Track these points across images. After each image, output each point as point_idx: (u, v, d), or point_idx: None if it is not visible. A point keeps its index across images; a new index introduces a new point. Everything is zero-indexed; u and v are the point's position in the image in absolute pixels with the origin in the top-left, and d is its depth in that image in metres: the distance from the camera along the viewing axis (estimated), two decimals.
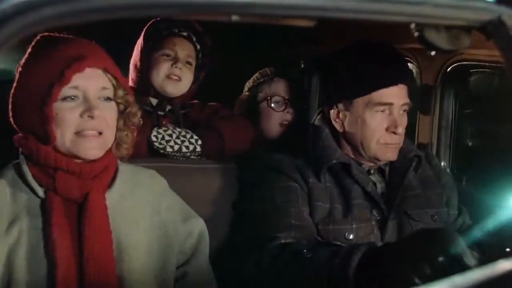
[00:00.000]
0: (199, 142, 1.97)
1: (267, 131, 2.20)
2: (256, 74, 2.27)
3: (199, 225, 1.63)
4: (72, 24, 0.75)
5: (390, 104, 1.71)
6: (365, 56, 1.75)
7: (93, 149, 1.34)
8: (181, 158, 1.94)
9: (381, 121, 1.72)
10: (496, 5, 0.97)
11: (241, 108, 2.27)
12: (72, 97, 1.31)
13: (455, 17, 0.98)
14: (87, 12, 0.74)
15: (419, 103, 2.20)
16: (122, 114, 1.42)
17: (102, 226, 1.34)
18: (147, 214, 1.48)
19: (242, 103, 2.27)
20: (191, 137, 1.97)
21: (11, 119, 1.37)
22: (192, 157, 1.97)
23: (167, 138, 1.93)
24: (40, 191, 1.33)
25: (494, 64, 1.92)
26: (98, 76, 1.35)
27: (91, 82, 1.33)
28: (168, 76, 2.00)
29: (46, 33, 1.39)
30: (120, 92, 1.40)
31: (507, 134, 2.17)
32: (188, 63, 2.05)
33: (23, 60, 1.37)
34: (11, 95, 1.36)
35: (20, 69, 1.36)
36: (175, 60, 2.01)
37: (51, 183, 1.33)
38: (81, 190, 1.34)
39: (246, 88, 2.29)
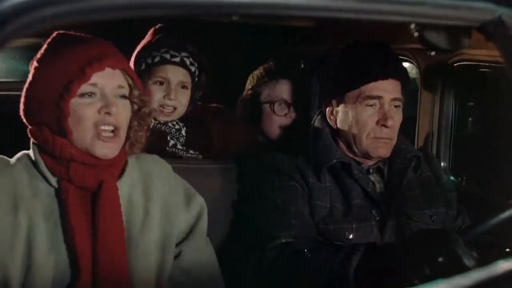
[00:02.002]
0: (185, 128, 1.99)
1: (266, 132, 2.20)
2: (260, 70, 2.24)
3: (198, 203, 1.61)
4: (72, 24, 0.75)
5: (380, 97, 1.72)
6: (356, 53, 1.77)
7: (109, 149, 1.36)
8: (171, 148, 1.95)
9: (372, 115, 1.73)
10: (496, 5, 0.97)
11: (243, 106, 2.27)
12: (90, 93, 1.34)
13: (455, 17, 0.98)
14: (87, 12, 0.74)
15: (419, 103, 2.21)
16: (136, 114, 1.45)
17: (115, 215, 1.37)
18: (154, 199, 1.49)
19: (245, 101, 2.27)
20: (178, 121, 2.00)
21: (22, 114, 1.38)
22: (181, 140, 1.97)
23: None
24: (53, 181, 1.35)
25: (494, 64, 1.92)
26: (117, 75, 1.38)
27: (110, 80, 1.36)
28: (161, 107, 1.97)
29: (62, 31, 1.40)
30: (136, 92, 1.42)
31: (507, 134, 2.17)
32: (184, 87, 2.00)
33: (38, 56, 1.38)
34: (24, 90, 1.37)
35: (35, 64, 1.37)
36: (168, 91, 1.95)
37: (65, 172, 1.34)
38: (95, 179, 1.36)
39: (249, 86, 2.27)
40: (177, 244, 1.56)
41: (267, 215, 1.70)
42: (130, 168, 1.47)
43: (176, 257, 1.55)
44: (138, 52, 2.01)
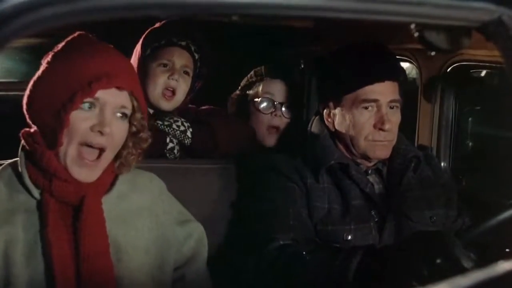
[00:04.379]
0: (190, 129, 1.99)
1: (259, 137, 2.17)
2: (251, 73, 2.26)
3: (198, 229, 1.64)
4: (72, 24, 0.75)
5: (376, 100, 1.71)
6: (352, 55, 1.76)
7: (87, 174, 1.34)
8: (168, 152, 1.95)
9: (369, 118, 1.72)
10: (496, 5, 0.97)
11: (232, 107, 2.27)
12: (89, 105, 1.31)
13: (455, 17, 0.97)
14: (87, 12, 0.73)
15: (419, 103, 2.21)
16: (133, 136, 1.42)
17: (98, 229, 1.34)
18: (145, 216, 1.48)
19: (233, 102, 2.27)
20: (184, 121, 2.00)
21: (25, 106, 1.35)
22: (186, 141, 1.97)
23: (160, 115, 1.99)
24: (36, 193, 1.34)
25: (494, 64, 1.92)
26: (122, 96, 1.35)
27: (113, 98, 1.33)
28: (164, 90, 1.98)
29: (84, 32, 1.38)
30: (138, 115, 1.40)
31: (507, 134, 2.17)
32: (185, 72, 2.02)
33: (54, 52, 1.35)
34: (32, 83, 1.34)
35: (49, 59, 1.34)
36: (172, 72, 1.98)
37: (48, 185, 1.32)
38: (77, 194, 1.34)
39: (239, 87, 2.29)
40: (179, 268, 1.57)
41: (265, 217, 1.70)
42: (122, 180, 1.45)
43: (179, 280, 1.55)
44: (145, 37, 2.03)
